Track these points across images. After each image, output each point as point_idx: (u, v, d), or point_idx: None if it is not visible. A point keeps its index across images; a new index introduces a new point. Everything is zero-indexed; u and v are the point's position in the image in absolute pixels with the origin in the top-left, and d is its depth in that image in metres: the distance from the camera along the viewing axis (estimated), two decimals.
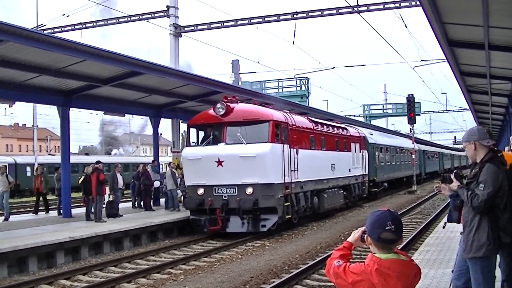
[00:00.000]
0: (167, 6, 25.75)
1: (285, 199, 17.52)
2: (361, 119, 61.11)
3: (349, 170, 25.05)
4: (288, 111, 19.09)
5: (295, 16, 25.27)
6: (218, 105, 17.11)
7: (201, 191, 17.29)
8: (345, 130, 25.06)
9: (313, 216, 21.28)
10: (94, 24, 27.58)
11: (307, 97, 42.29)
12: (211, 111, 17.44)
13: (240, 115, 17.13)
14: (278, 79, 43.16)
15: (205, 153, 17.12)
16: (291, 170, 17.84)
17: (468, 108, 34.73)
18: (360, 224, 17.89)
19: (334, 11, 24.79)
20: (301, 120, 19.64)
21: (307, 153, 19.53)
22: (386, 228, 3.04)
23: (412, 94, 37.22)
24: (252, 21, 25.96)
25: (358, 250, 12.99)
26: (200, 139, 18.02)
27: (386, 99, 74.23)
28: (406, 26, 26.57)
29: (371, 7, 24.18)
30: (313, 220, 21.00)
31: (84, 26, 27.46)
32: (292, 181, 17.88)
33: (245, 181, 16.63)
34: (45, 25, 27.58)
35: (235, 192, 16.83)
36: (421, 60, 37.62)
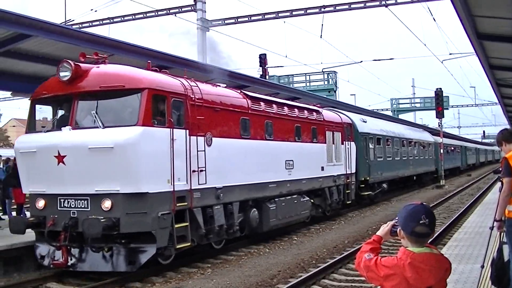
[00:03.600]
0: (194, 0, 25.64)
1: (180, 217, 10.89)
2: (389, 113, 58.05)
3: (322, 169, 18.09)
4: (193, 79, 12.19)
5: (322, 9, 25.03)
6: (63, 65, 10.41)
7: (41, 203, 10.65)
8: (315, 113, 18.05)
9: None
10: (122, 18, 27.10)
11: (335, 91, 41.22)
12: None
13: (96, 81, 10.35)
14: (305, 73, 42.13)
15: (41, 144, 10.44)
16: (193, 171, 11.11)
17: (497, 102, 33.57)
18: (389, 218, 20.63)
19: (362, 5, 24.40)
20: (219, 93, 12.64)
21: (232, 144, 12.71)
22: (420, 222, 3.04)
23: (441, 88, 35.85)
24: (280, 15, 25.83)
25: (386, 244, 12.67)
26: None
27: (414, 93, 72.13)
28: (434, 19, 24.81)
29: (399, 0, 23.85)
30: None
31: (112, 21, 27.30)
32: (195, 187, 11.15)
33: (100, 190, 9.94)
34: (73, 20, 27.34)
35: (87, 207, 10.18)
36: (450, 54, 35.26)
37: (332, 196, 18.91)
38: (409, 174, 31.04)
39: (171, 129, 10.49)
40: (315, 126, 17.65)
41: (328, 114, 19.46)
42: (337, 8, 25.05)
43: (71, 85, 10.31)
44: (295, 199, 15.85)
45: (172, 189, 10.42)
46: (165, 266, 11.06)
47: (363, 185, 22.87)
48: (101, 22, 27.65)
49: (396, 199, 27.34)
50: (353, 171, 21.15)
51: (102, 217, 9.76)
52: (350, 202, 20.78)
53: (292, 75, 42.88)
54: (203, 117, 11.45)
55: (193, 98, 11.25)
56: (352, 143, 21.33)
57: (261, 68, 33.38)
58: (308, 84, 41.58)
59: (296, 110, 16.43)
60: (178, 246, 10.62)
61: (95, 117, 10.08)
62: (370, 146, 23.95)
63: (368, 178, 23.00)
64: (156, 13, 26.37)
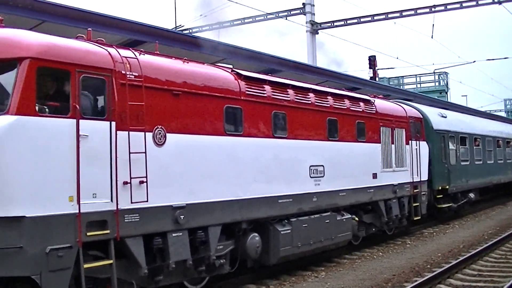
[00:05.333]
0: (303, 4, 25.78)
1: (104, 251, 7.13)
2: (503, 114, 55.07)
3: (374, 176, 13.50)
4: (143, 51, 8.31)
5: (433, 9, 24.65)
6: None
7: None
8: (362, 103, 13.46)
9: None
10: (231, 23, 27.37)
11: (446, 92, 40.48)
12: None
13: None
14: (416, 75, 41.47)
15: None
16: (124, 183, 7.27)
17: None
18: (505, 223, 18.12)
19: (474, 3, 23.83)
20: (180, 69, 8.47)
21: (208, 144, 8.69)
22: None
23: None
24: (389, 16, 25.61)
25: None
26: None
27: None
28: None
29: None
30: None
31: (221, 25, 27.60)
32: (127, 207, 7.27)
33: None
34: (183, 26, 27.88)
35: None
36: None
37: (390, 212, 14.24)
38: (507, 180, 25.03)
39: (77, 120, 6.70)
40: (363, 120, 13.14)
41: (384, 106, 14.79)
42: (448, 7, 24.33)
43: None
44: (326, 218, 11.50)
45: (76, 211, 6.62)
46: (279, 268, 10.85)
47: (440, 196, 17.79)
48: (210, 27, 27.70)
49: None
50: (425, 178, 16.29)
51: None
52: (419, 217, 15.88)
53: (402, 76, 41.82)
54: (144, 104, 7.54)
55: (127, 76, 7.39)
56: (423, 143, 16.44)
57: (371, 70, 33.06)
58: (418, 85, 40.50)
59: (329, 98, 12.04)
60: None
61: None
62: (451, 146, 18.79)
63: (447, 187, 17.89)
64: (265, 17, 26.23)
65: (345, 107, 12.52)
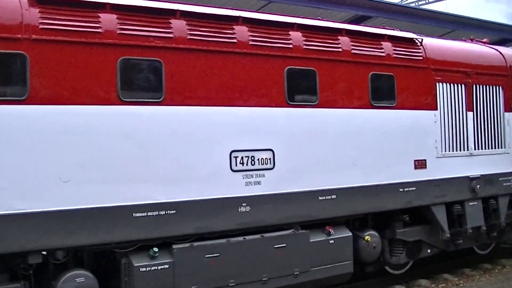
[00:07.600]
0: None
1: None
2: None
3: (421, 165, 7.94)
4: None
5: None
6: None
7: None
8: (386, 42, 7.77)
9: None
10: None
11: None
12: None
13: None
14: None
15: None
16: None
17: None
18: None
19: None
20: None
21: None
22: None
23: None
24: None
25: None
26: None
27: None
28: None
29: None
30: None
31: None
32: None
33: None
34: None
35: None
36: None
37: (462, 221, 8.54)
38: None
39: None
40: (389, 72, 7.79)
41: (447, 47, 8.91)
42: None
43: None
44: (277, 239, 6.70)
45: None
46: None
47: None
48: None
49: None
50: None
51: None
52: None
53: None
54: None
55: None
56: None
57: None
58: None
59: (295, 33, 6.98)
60: None
61: None
62: None
63: None
64: None
65: (339, 49, 7.28)
